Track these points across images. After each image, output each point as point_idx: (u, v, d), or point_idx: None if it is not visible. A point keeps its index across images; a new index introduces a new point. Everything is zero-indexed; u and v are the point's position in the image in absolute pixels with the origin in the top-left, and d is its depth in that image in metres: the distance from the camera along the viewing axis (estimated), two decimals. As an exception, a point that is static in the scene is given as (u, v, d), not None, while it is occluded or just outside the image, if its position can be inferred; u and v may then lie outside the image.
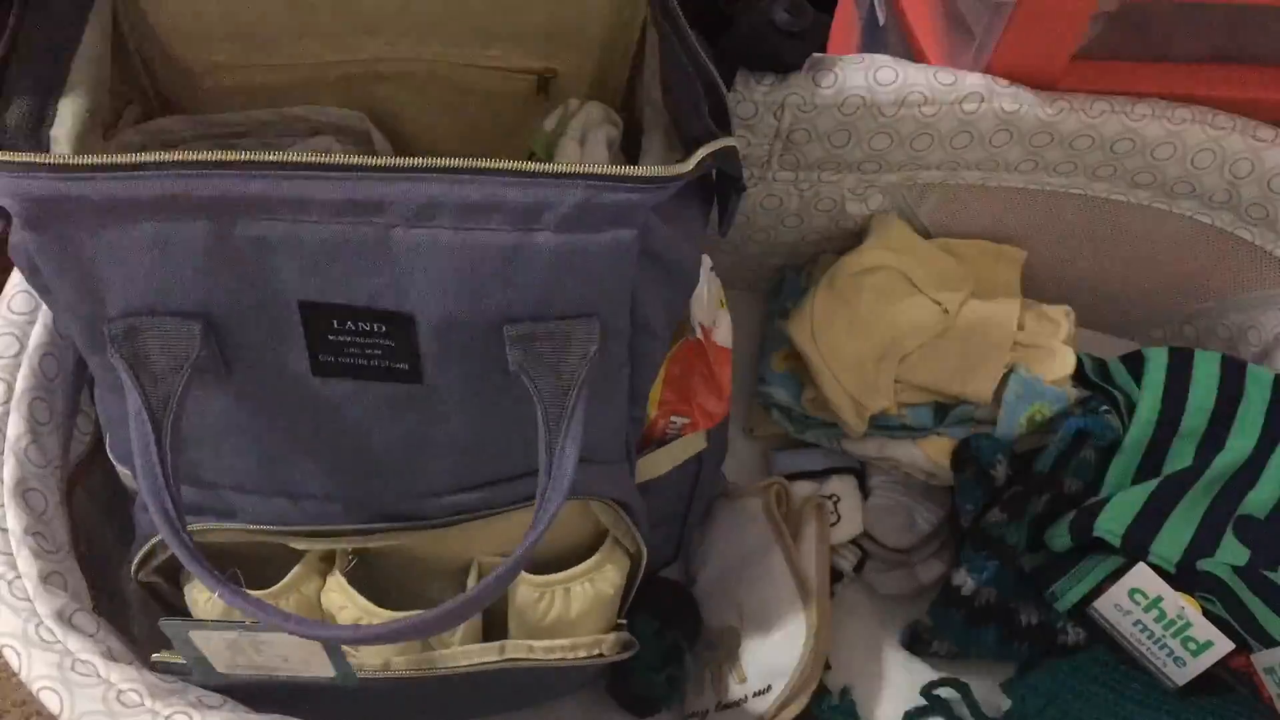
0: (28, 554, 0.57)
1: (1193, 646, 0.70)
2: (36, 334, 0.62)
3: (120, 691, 0.54)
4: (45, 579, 0.57)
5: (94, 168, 0.43)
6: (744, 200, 0.82)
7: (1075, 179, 0.80)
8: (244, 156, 0.43)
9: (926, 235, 0.87)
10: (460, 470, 0.54)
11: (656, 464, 0.64)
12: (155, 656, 0.57)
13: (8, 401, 0.61)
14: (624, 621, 0.64)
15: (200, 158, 0.43)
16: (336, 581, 0.57)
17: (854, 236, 0.86)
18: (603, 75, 0.57)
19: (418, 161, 0.43)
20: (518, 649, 0.60)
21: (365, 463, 0.52)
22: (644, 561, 0.62)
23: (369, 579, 0.58)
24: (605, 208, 0.44)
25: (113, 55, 0.52)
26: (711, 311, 0.65)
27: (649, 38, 0.53)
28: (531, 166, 0.44)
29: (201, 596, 0.58)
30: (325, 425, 0.50)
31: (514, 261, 0.44)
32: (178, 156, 0.43)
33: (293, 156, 0.43)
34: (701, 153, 0.46)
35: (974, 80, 0.75)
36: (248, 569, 0.56)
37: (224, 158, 0.43)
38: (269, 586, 0.57)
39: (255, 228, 0.44)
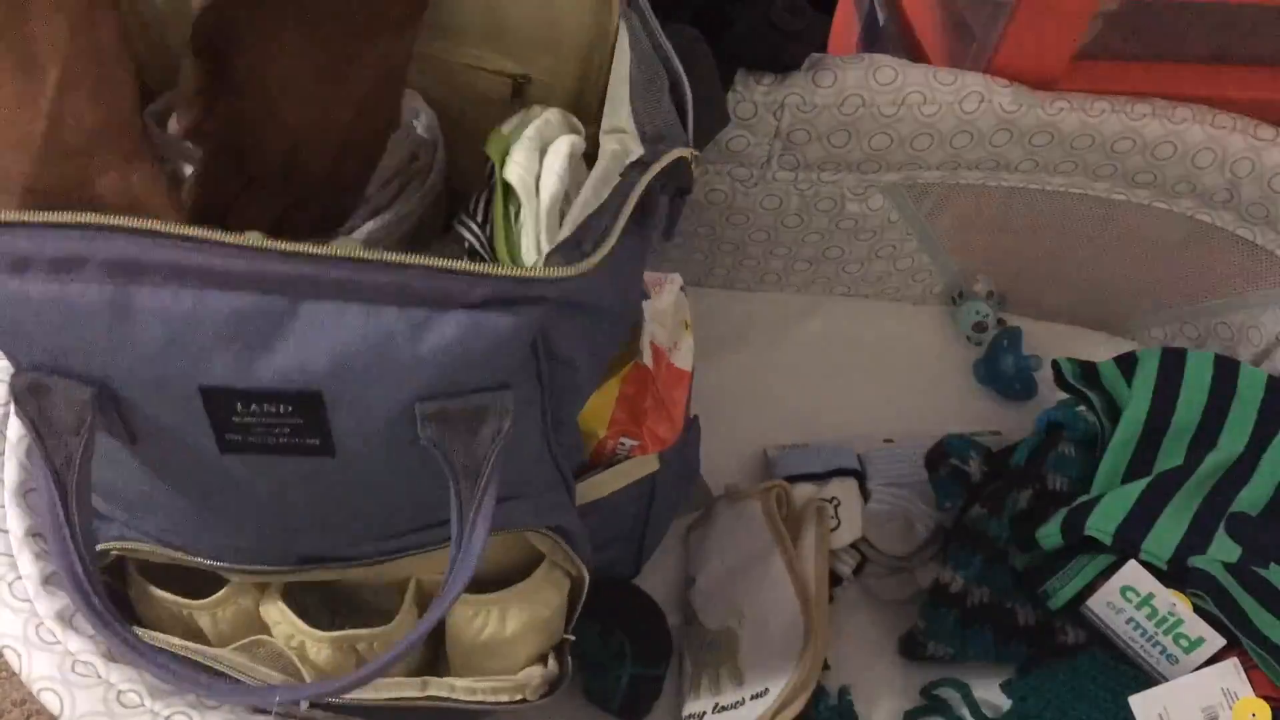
0: (29, 555, 0.57)
1: (1184, 643, 0.70)
2: (37, 336, 0.62)
3: (120, 692, 0.54)
4: (46, 580, 0.57)
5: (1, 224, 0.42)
6: (744, 199, 0.83)
7: (1075, 178, 0.80)
8: (148, 225, 0.42)
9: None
10: (383, 526, 0.54)
11: (603, 484, 0.63)
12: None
13: (8, 403, 0.61)
14: (570, 638, 0.64)
15: (104, 221, 0.42)
16: (272, 600, 0.58)
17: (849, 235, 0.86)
18: (580, 85, 0.57)
19: (327, 250, 0.43)
20: (440, 687, 0.59)
21: (286, 524, 0.52)
22: (585, 583, 0.62)
23: (311, 585, 0.59)
24: (514, 296, 0.44)
25: None
26: (674, 333, 0.64)
27: (619, 34, 0.53)
28: (440, 263, 0.43)
29: (144, 604, 0.58)
30: (239, 495, 0.50)
31: (422, 336, 0.44)
32: (81, 218, 0.42)
33: (201, 232, 0.43)
34: (627, 211, 0.46)
35: (974, 80, 0.75)
36: (186, 574, 0.57)
37: (127, 224, 0.42)
38: (208, 589, 0.58)
39: (159, 299, 0.43)
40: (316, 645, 0.57)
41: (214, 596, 0.58)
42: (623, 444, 0.62)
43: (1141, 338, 0.92)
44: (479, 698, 0.60)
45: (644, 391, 0.62)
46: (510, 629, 0.59)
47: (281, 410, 0.45)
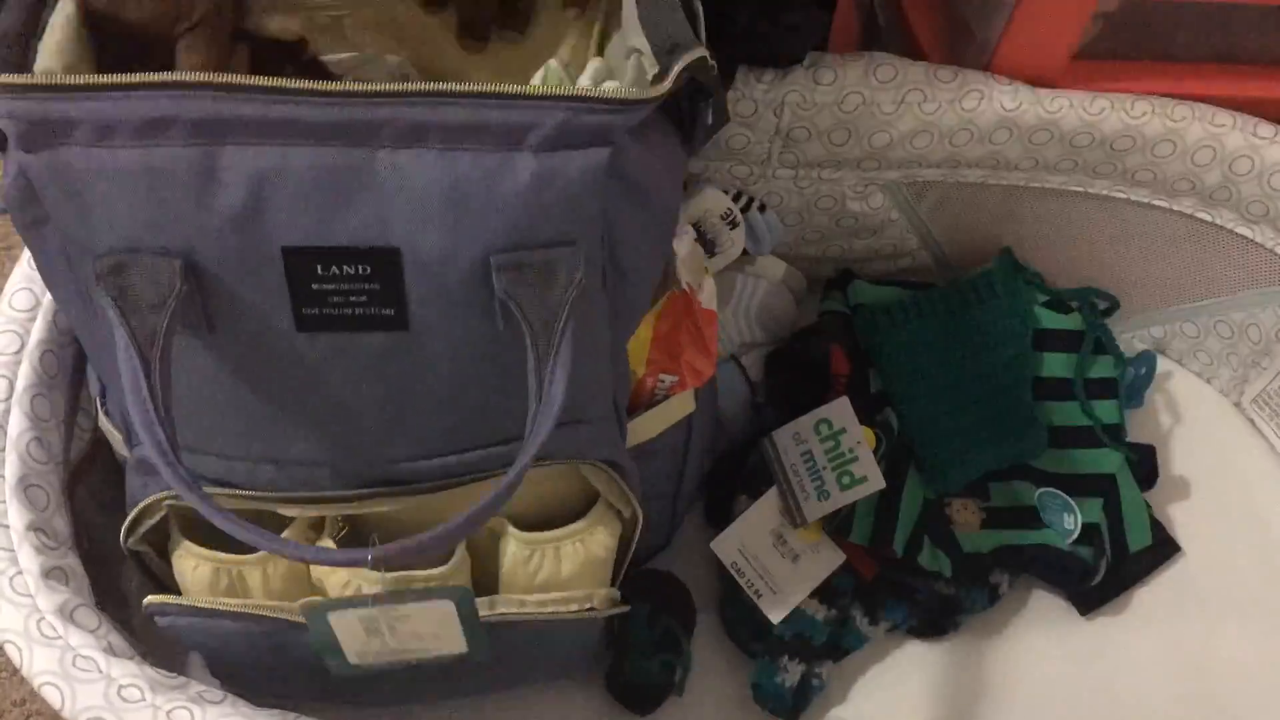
0: (29, 550, 0.57)
1: (846, 480, 0.71)
2: (37, 330, 0.62)
3: (121, 687, 0.54)
4: (47, 575, 0.57)
5: (84, 88, 0.43)
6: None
7: (1075, 176, 0.80)
8: (236, 79, 0.43)
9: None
10: (447, 431, 0.54)
11: (647, 426, 0.64)
12: (148, 599, 0.57)
13: (9, 398, 0.61)
14: (618, 596, 0.64)
15: (191, 79, 0.43)
16: (325, 543, 0.57)
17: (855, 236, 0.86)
18: None
19: (406, 86, 0.44)
20: (509, 604, 0.60)
21: (351, 424, 0.52)
22: (639, 525, 0.62)
23: (356, 545, 0.58)
24: (584, 128, 0.45)
25: None
26: (697, 276, 0.65)
27: None
28: (514, 89, 0.44)
29: (188, 565, 0.58)
30: (310, 386, 0.50)
31: (496, 183, 0.45)
32: (168, 77, 0.43)
33: (285, 82, 0.43)
34: (676, 69, 0.47)
35: (974, 78, 0.75)
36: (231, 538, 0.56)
37: (215, 79, 0.43)
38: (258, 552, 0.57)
39: (244, 157, 0.44)
40: (373, 588, 0.57)
41: (264, 551, 0.57)
42: (661, 381, 0.63)
43: (1141, 336, 0.92)
44: (550, 609, 0.60)
45: (678, 327, 0.62)
46: (566, 570, 0.60)
47: (359, 272, 0.46)
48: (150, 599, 0.57)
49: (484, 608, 0.59)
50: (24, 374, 0.62)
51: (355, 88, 0.44)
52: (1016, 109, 0.75)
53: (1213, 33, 0.79)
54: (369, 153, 0.44)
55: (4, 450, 0.60)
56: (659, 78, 0.47)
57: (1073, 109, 0.75)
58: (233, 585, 0.58)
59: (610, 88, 0.50)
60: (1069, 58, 0.75)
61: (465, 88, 0.44)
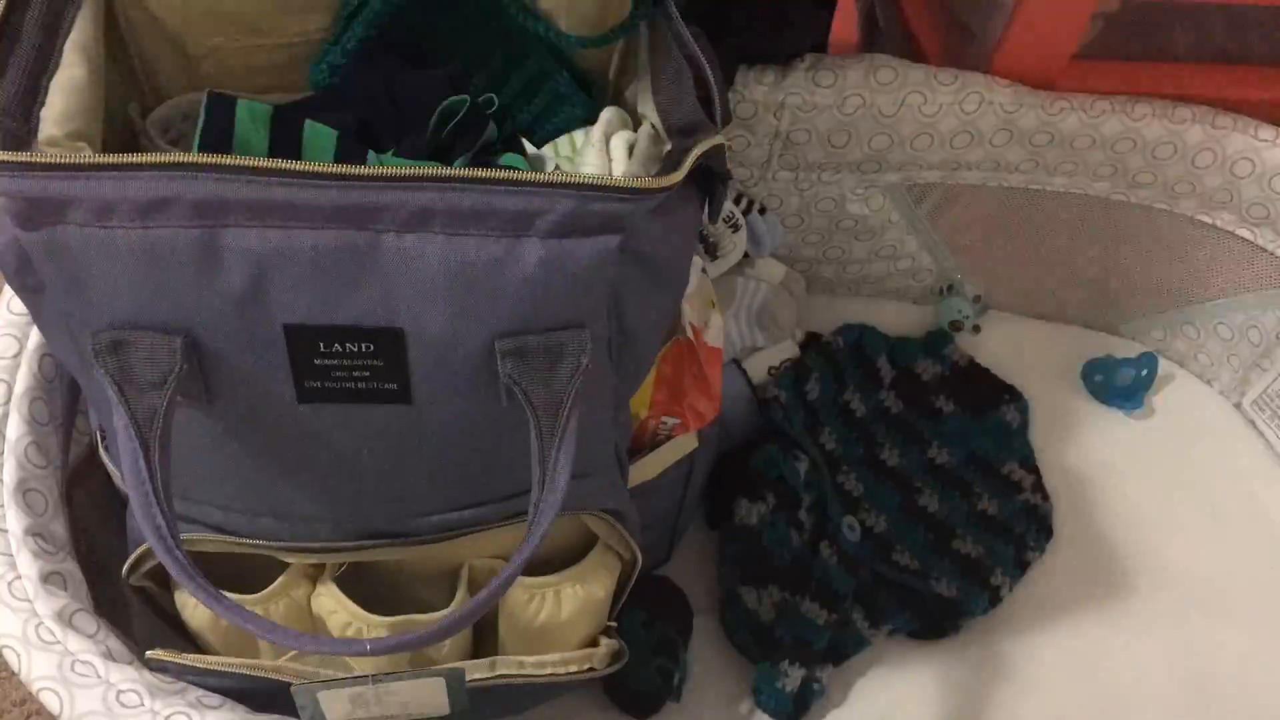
0: (28, 555, 0.57)
1: None
2: (36, 335, 0.62)
3: (120, 692, 0.54)
4: (45, 579, 0.57)
5: (84, 167, 0.42)
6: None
7: (1076, 179, 0.80)
8: (238, 161, 0.42)
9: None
10: (448, 493, 0.53)
11: (649, 468, 0.64)
12: (150, 654, 0.57)
13: (7, 402, 0.61)
14: (613, 624, 0.64)
15: (194, 160, 0.42)
16: (327, 587, 0.57)
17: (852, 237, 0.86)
18: (589, 65, 0.58)
19: (412, 170, 0.43)
20: (508, 665, 0.59)
21: (352, 486, 0.52)
22: (638, 565, 0.62)
23: (357, 581, 0.58)
24: (594, 215, 0.44)
25: (109, 52, 0.52)
26: (703, 312, 0.65)
27: (640, 25, 0.53)
28: (524, 175, 0.44)
29: (191, 601, 0.58)
30: (311, 452, 0.50)
31: (503, 268, 0.44)
32: (170, 158, 0.42)
33: (287, 164, 0.42)
34: (692, 157, 0.46)
35: (974, 80, 0.75)
36: (237, 570, 0.56)
37: (217, 161, 0.42)
38: (258, 586, 0.57)
39: (245, 239, 0.43)
40: (375, 632, 0.56)
41: (266, 590, 0.57)
42: (664, 423, 0.63)
43: (1142, 337, 0.92)
44: (549, 671, 0.60)
45: (682, 370, 0.62)
46: (566, 612, 0.59)
47: (362, 349, 0.45)
48: (151, 655, 0.57)
49: (483, 669, 0.59)
50: (22, 378, 0.61)
51: (359, 171, 0.43)
52: (1017, 111, 0.75)
53: (1213, 33, 0.79)
54: (373, 235, 0.43)
55: (2, 455, 0.60)
56: (674, 162, 0.46)
57: (1073, 111, 0.75)
58: (232, 627, 0.58)
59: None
60: (1069, 58, 0.75)
61: (473, 173, 0.43)
